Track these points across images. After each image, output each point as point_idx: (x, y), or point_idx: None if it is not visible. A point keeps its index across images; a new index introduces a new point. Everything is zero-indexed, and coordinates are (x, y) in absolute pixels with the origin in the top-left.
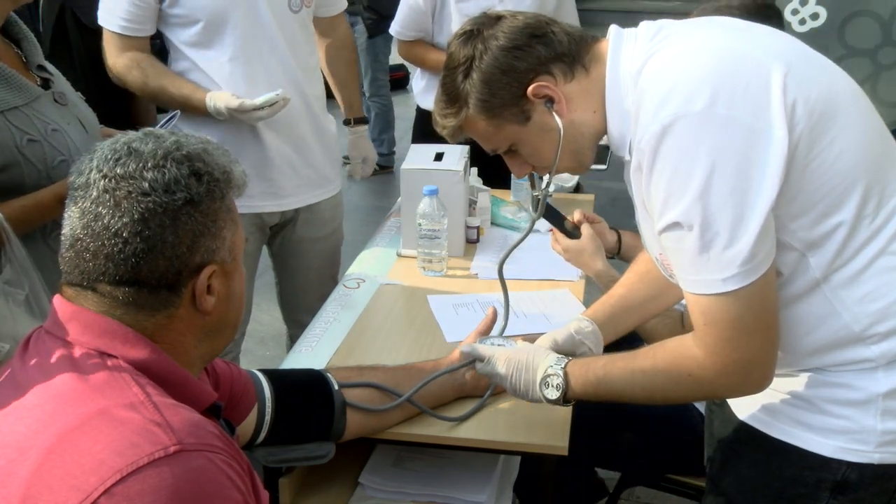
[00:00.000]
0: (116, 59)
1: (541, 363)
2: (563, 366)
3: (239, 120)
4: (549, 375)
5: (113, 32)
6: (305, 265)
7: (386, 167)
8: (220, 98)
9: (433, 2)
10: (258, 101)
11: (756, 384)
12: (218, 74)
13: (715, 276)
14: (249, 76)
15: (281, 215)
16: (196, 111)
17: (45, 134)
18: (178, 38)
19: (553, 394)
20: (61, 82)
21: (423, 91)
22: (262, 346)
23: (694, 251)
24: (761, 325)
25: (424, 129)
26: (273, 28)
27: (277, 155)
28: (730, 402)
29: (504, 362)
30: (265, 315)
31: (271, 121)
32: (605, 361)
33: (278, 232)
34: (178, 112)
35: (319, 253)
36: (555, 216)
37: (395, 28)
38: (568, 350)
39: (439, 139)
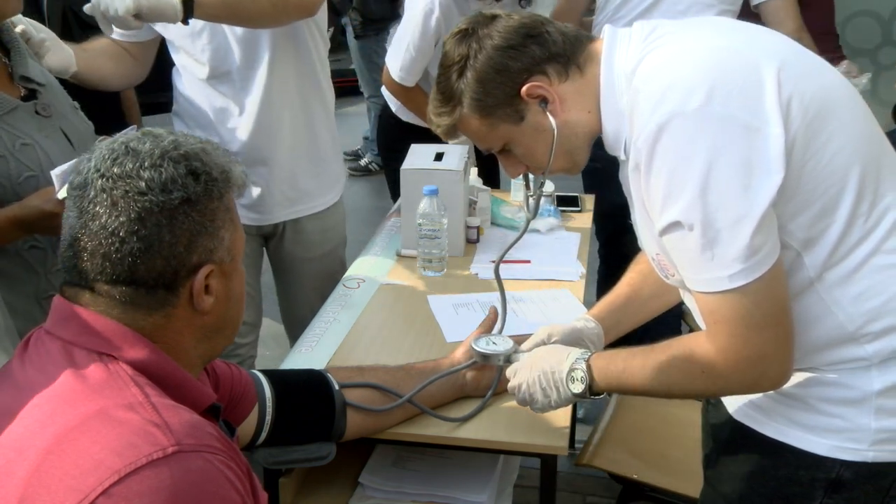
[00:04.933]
0: None
1: (565, 360)
2: (585, 359)
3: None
4: (573, 370)
5: None
6: (299, 282)
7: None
8: None
9: (436, 40)
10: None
11: (772, 380)
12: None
13: (720, 273)
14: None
15: (265, 227)
16: None
17: (13, 149)
18: None
19: (578, 387)
20: (51, 94)
21: (399, 108)
22: (262, 346)
23: (697, 250)
24: (772, 321)
25: (393, 135)
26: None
27: (252, 171)
28: (724, 400)
29: (528, 369)
30: (265, 315)
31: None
32: (626, 356)
33: (270, 241)
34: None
35: (313, 273)
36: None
37: (399, 74)
38: (569, 345)
39: (407, 144)
